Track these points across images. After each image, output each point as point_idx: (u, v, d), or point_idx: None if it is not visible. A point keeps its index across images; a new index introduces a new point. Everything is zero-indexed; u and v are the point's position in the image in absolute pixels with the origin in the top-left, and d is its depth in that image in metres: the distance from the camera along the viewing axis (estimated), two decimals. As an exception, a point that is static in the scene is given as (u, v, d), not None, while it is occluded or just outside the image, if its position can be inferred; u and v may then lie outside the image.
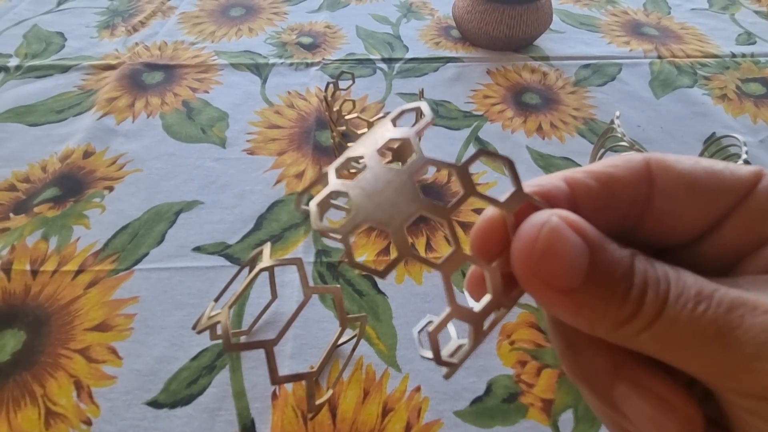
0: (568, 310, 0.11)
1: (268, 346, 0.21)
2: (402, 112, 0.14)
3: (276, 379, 0.21)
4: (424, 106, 0.13)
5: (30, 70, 0.53)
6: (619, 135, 0.36)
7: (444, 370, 0.13)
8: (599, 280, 0.10)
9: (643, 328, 0.10)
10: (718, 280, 0.11)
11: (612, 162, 0.12)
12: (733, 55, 0.58)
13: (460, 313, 0.12)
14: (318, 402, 0.26)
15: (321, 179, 0.13)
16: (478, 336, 0.12)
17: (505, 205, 0.12)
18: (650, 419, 0.11)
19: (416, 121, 0.14)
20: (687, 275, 0.11)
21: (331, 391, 0.27)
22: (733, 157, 0.38)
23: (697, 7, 0.68)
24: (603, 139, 0.40)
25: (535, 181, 0.12)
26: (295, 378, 0.23)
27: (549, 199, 0.12)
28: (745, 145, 0.37)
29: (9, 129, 0.46)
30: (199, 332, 0.23)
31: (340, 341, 0.30)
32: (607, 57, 0.57)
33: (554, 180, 0.12)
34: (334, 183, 0.12)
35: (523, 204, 0.12)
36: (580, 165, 0.44)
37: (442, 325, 0.12)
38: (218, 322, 0.22)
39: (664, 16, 0.66)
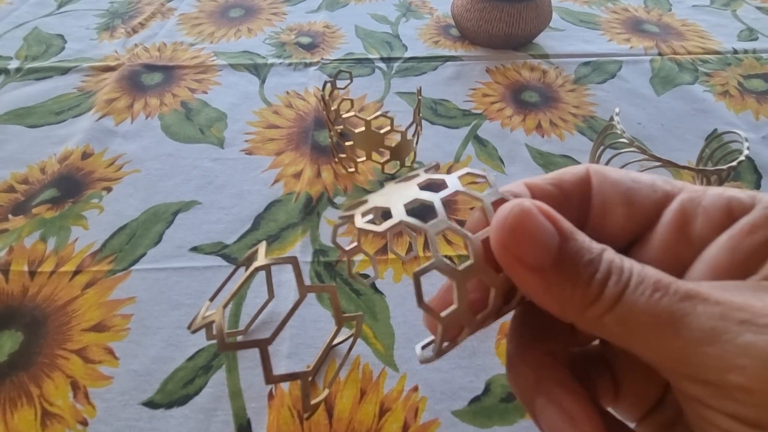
0: (539, 289, 0.12)
1: (263, 346, 0.21)
2: (467, 173, 0.16)
3: (270, 379, 0.21)
4: (490, 176, 0.15)
5: (30, 72, 0.53)
6: (619, 132, 0.36)
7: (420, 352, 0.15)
8: (567, 263, 0.12)
9: (605, 310, 0.11)
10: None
11: (561, 170, 0.15)
12: (735, 52, 0.57)
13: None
14: (314, 401, 0.26)
15: (366, 206, 0.15)
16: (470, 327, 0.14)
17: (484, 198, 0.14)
18: (557, 430, 0.12)
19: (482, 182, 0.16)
20: (649, 269, 0.12)
21: (327, 391, 0.27)
22: (735, 153, 0.37)
23: (698, 3, 0.68)
24: (603, 136, 0.40)
25: (503, 188, 0.15)
26: (289, 377, 0.23)
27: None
28: (746, 140, 0.36)
29: (8, 131, 0.46)
30: (194, 332, 0.23)
31: (336, 341, 0.30)
32: (607, 54, 0.57)
33: (518, 185, 0.15)
34: (399, 213, 0.14)
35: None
36: (580, 162, 0.43)
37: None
38: (213, 322, 0.22)
39: (665, 12, 0.66)
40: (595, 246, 0.12)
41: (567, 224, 0.12)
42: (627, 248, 0.14)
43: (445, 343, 0.14)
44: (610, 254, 0.12)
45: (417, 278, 0.13)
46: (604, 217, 0.14)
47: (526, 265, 0.12)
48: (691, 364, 0.11)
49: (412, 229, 0.13)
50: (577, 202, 0.14)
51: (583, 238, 0.12)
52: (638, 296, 0.11)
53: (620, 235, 0.14)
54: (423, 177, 0.15)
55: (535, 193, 0.14)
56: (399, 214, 0.13)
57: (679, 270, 0.13)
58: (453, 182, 0.14)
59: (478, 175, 0.15)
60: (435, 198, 0.14)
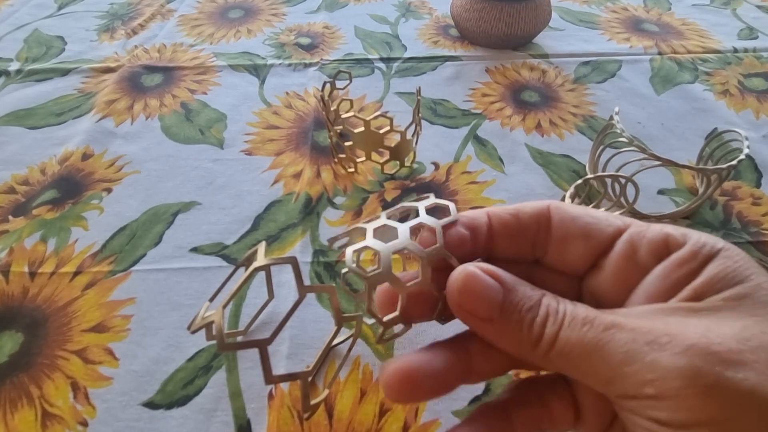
0: (492, 335, 0.15)
1: (262, 346, 0.21)
2: (432, 204, 0.19)
3: (270, 379, 0.21)
4: (452, 206, 0.18)
5: (30, 73, 0.53)
6: (619, 131, 0.36)
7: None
8: (511, 312, 0.14)
9: (547, 347, 0.14)
10: (613, 311, 0.14)
11: (522, 204, 0.17)
12: (735, 51, 0.57)
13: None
14: (313, 402, 0.26)
15: (358, 231, 0.18)
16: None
17: (426, 255, 0.16)
18: None
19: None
20: (581, 307, 0.14)
21: (327, 391, 0.26)
22: (735, 151, 0.37)
23: (698, 2, 0.67)
24: (602, 135, 0.40)
25: (468, 213, 0.17)
26: (289, 377, 0.22)
27: (474, 227, 0.17)
28: (746, 139, 0.36)
29: (9, 132, 0.46)
30: (194, 332, 0.23)
31: (335, 341, 0.30)
32: (606, 54, 0.57)
33: (479, 214, 0.17)
34: (371, 241, 0.17)
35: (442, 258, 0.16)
36: (579, 162, 0.43)
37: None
38: (212, 322, 0.22)
39: (665, 12, 0.66)
40: (535, 294, 0.15)
41: (510, 278, 0.15)
42: (585, 273, 0.17)
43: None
44: (547, 299, 0.14)
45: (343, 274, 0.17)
46: (564, 247, 0.17)
47: (478, 317, 0.14)
48: (616, 383, 0.13)
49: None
50: (532, 233, 0.17)
51: (523, 288, 0.15)
52: (571, 332, 0.13)
53: (579, 263, 0.17)
54: (384, 221, 0.18)
55: (494, 220, 0.17)
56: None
57: (628, 291, 0.15)
58: (403, 231, 0.17)
59: (443, 206, 0.18)
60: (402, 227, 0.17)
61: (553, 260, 0.17)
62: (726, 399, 0.11)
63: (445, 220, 0.17)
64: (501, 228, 0.17)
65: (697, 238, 0.14)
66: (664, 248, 0.15)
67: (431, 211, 0.18)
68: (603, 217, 0.16)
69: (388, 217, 0.18)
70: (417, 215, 0.17)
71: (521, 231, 0.17)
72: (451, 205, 0.18)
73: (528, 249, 0.17)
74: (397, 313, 0.17)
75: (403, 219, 0.18)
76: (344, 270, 0.19)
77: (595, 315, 0.14)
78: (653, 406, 0.12)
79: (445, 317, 0.17)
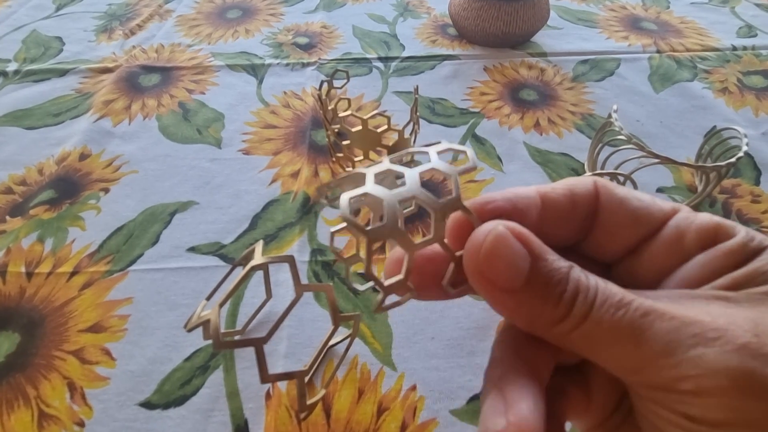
0: (509, 308, 0.13)
1: (258, 344, 0.21)
2: (446, 149, 0.16)
3: (266, 378, 0.21)
4: (470, 152, 0.15)
5: (28, 74, 0.53)
6: (617, 129, 0.36)
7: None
8: (538, 284, 0.13)
9: (573, 327, 0.12)
10: (641, 292, 0.13)
11: (570, 182, 0.15)
12: (734, 48, 0.57)
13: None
14: (310, 402, 0.26)
15: (355, 178, 0.15)
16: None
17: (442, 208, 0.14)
18: (486, 415, 0.13)
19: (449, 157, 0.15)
20: (613, 286, 0.13)
21: (323, 391, 0.26)
22: (734, 149, 0.37)
23: (696, 0, 0.67)
24: (600, 133, 0.40)
25: (512, 190, 0.15)
26: (285, 377, 0.22)
27: (518, 207, 0.14)
28: (745, 137, 0.36)
29: (7, 133, 0.46)
30: (189, 330, 0.23)
31: (333, 341, 0.29)
32: (605, 52, 0.57)
33: (530, 193, 0.15)
34: (371, 186, 0.14)
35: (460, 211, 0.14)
36: (578, 160, 0.43)
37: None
38: (208, 321, 0.22)
39: (663, 10, 0.65)
40: (563, 264, 0.13)
41: (539, 245, 0.13)
42: (622, 257, 0.15)
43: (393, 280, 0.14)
44: (576, 272, 0.13)
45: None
46: (609, 232, 0.15)
47: (498, 287, 0.13)
48: (650, 374, 0.12)
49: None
50: (583, 214, 0.15)
51: (552, 257, 0.13)
52: (603, 313, 0.12)
53: (620, 249, 0.15)
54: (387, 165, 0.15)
55: (547, 203, 0.15)
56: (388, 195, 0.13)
57: (663, 276, 0.14)
58: (412, 177, 0.14)
59: (459, 151, 0.15)
60: (411, 172, 0.14)
61: (592, 246, 0.15)
62: None
63: (463, 167, 0.14)
64: (553, 212, 0.15)
65: (746, 231, 0.14)
66: (713, 237, 0.14)
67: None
68: (650, 200, 0.15)
69: (394, 162, 0.15)
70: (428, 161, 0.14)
71: (574, 213, 0.15)
72: (469, 151, 0.15)
73: (574, 234, 0.15)
74: (401, 276, 0.14)
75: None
76: (334, 228, 0.16)
77: (632, 298, 0.12)
78: (687, 402, 0.11)
79: (456, 284, 0.14)
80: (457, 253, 0.14)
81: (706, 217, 0.14)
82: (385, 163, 0.15)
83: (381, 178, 0.14)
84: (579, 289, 0.13)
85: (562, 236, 0.15)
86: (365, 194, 0.13)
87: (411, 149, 0.16)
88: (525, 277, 0.13)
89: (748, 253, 0.13)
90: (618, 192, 0.15)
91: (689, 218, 0.14)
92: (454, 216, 0.14)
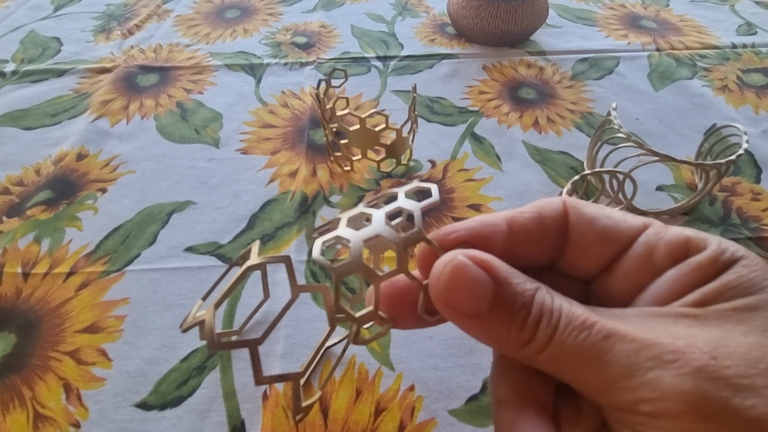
0: (476, 332, 0.14)
1: (253, 346, 0.21)
2: (414, 188, 0.17)
3: (260, 380, 0.21)
4: (434, 189, 0.16)
5: (26, 74, 0.53)
6: (616, 127, 0.36)
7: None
8: (501, 309, 0.13)
9: (538, 350, 0.13)
10: (610, 312, 0.13)
11: (539, 204, 0.16)
12: (734, 46, 0.57)
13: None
14: (305, 404, 0.26)
15: (334, 222, 0.17)
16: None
17: (402, 243, 0.15)
18: None
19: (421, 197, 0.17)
20: (578, 308, 0.13)
21: (319, 393, 0.26)
22: (734, 147, 0.37)
23: (696, -2, 0.67)
24: (600, 131, 0.39)
25: (478, 218, 0.15)
26: (279, 379, 0.22)
27: (482, 234, 0.15)
28: (745, 134, 0.36)
29: (4, 133, 0.46)
30: (184, 331, 0.23)
31: (330, 342, 0.29)
32: (604, 50, 0.56)
33: (496, 220, 0.15)
34: (342, 230, 0.15)
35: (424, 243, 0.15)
36: (577, 159, 0.43)
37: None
38: (203, 321, 0.22)
39: (663, 8, 0.65)
40: (529, 287, 0.13)
41: (503, 270, 0.13)
42: (597, 274, 0.16)
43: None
44: (542, 295, 0.13)
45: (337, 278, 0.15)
46: (580, 251, 0.15)
47: (462, 313, 0.13)
48: (611, 396, 0.12)
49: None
50: (553, 235, 0.15)
51: (517, 280, 0.13)
52: (566, 337, 0.12)
53: (592, 267, 0.16)
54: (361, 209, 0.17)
55: (515, 227, 0.15)
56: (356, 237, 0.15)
57: (637, 292, 0.15)
58: (378, 217, 0.16)
59: (425, 188, 0.17)
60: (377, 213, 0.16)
61: (566, 265, 0.16)
62: (729, 426, 0.11)
63: (425, 203, 0.15)
64: (522, 236, 0.15)
65: (718, 243, 0.14)
66: (683, 251, 0.14)
67: (418, 195, 0.16)
68: (620, 217, 0.15)
69: (368, 206, 0.17)
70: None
71: (543, 235, 0.15)
72: (434, 187, 0.16)
73: (547, 255, 0.16)
74: (371, 308, 0.15)
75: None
76: (313, 257, 0.18)
77: (594, 320, 0.13)
78: (647, 423, 0.11)
79: (432, 312, 0.15)
80: (425, 282, 0.14)
81: (676, 231, 0.14)
82: (360, 207, 0.16)
83: (355, 220, 0.16)
84: (543, 312, 0.13)
85: (535, 257, 0.16)
86: (336, 237, 0.15)
87: (383, 192, 0.18)
88: (489, 302, 0.13)
89: (719, 266, 0.13)
90: (587, 211, 0.15)
91: (659, 233, 0.14)
92: (422, 246, 0.15)
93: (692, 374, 0.11)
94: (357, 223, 0.16)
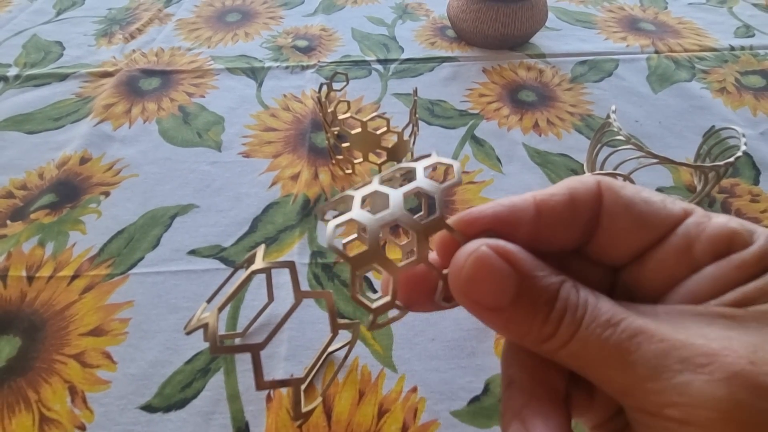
0: (497, 325, 0.13)
1: (255, 350, 0.21)
2: (433, 164, 0.15)
3: (261, 385, 0.21)
4: (456, 166, 0.15)
5: (29, 79, 0.54)
6: (616, 129, 0.36)
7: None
8: (524, 303, 0.12)
9: (560, 345, 0.12)
10: (638, 308, 0.12)
11: (570, 183, 0.14)
12: (732, 48, 0.57)
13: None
14: (306, 409, 0.26)
15: (346, 200, 0.15)
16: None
17: (424, 230, 0.14)
18: None
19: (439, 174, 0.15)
20: (604, 303, 0.12)
21: (320, 399, 0.26)
22: (733, 149, 0.37)
23: (694, 1, 0.68)
24: (599, 134, 0.40)
25: (504, 200, 0.14)
26: (281, 384, 0.22)
27: (508, 220, 0.14)
28: (744, 136, 0.36)
29: (7, 137, 0.46)
30: (188, 333, 0.23)
31: (332, 348, 0.29)
32: (603, 53, 0.57)
33: (523, 203, 0.14)
34: (356, 212, 0.14)
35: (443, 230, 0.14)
36: (577, 161, 0.43)
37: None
38: (207, 324, 0.22)
39: (661, 11, 0.66)
40: (554, 280, 0.13)
41: (527, 262, 0.13)
42: (628, 263, 0.14)
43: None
44: (567, 289, 0.13)
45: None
46: (612, 237, 0.14)
47: (483, 306, 0.13)
48: (635, 397, 0.11)
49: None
50: (585, 218, 0.14)
51: (542, 273, 0.13)
52: (590, 334, 0.12)
53: (625, 255, 0.14)
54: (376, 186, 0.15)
55: (545, 211, 0.14)
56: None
57: (670, 286, 0.14)
58: (396, 199, 0.14)
59: (446, 165, 0.15)
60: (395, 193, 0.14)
61: (595, 250, 0.14)
62: None
63: (447, 184, 0.14)
64: (551, 220, 0.14)
65: (766, 237, 0.12)
66: (726, 246, 0.13)
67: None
68: (659, 203, 0.14)
69: (383, 181, 0.15)
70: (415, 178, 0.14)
71: (573, 222, 0.14)
72: (455, 164, 0.15)
73: (577, 239, 0.14)
74: (388, 298, 0.14)
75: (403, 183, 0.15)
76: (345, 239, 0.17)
77: (621, 317, 0.12)
78: (674, 429, 0.11)
79: (449, 298, 0.14)
80: (444, 271, 0.14)
81: (720, 223, 0.13)
82: (374, 184, 0.15)
83: (371, 200, 0.15)
84: (567, 307, 0.12)
85: (563, 241, 0.14)
86: (350, 220, 0.14)
87: (400, 165, 0.16)
88: (511, 295, 0.12)
89: (765, 264, 0.12)
90: (623, 194, 0.14)
91: (701, 224, 0.13)
92: (441, 233, 0.14)
93: (727, 380, 0.10)
94: (373, 202, 0.15)
